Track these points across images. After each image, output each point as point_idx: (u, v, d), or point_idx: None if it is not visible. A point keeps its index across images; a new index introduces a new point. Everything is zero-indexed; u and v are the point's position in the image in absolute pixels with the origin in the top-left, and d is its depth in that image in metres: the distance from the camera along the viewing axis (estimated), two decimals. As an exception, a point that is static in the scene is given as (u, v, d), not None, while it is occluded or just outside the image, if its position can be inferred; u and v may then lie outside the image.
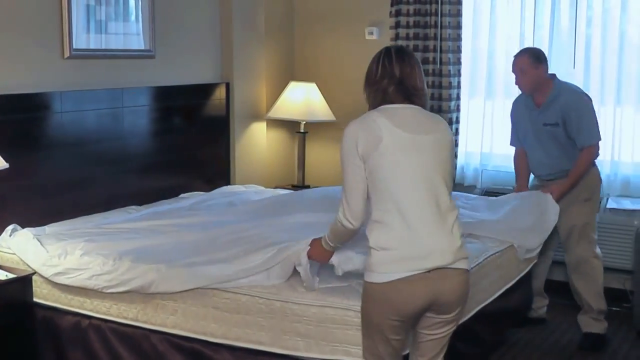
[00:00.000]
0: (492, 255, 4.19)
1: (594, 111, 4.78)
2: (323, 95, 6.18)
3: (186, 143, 5.59)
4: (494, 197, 5.14)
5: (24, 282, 3.99)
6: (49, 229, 4.41)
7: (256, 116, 6.20)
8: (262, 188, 5.77)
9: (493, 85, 5.94)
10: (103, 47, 5.00)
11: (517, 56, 4.83)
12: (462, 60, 5.89)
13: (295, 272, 3.55)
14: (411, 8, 5.87)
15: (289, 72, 6.55)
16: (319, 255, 3.43)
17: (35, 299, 4.09)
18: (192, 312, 3.72)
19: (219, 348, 3.66)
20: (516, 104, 5.03)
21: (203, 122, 5.77)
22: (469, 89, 6.04)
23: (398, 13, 5.92)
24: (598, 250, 4.88)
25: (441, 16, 5.81)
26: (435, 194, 3.04)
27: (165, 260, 3.83)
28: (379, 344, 3.11)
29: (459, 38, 5.85)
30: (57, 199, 4.63)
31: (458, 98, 5.90)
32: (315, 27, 6.52)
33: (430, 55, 5.85)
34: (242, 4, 5.96)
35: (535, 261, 4.70)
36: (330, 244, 3.32)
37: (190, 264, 3.79)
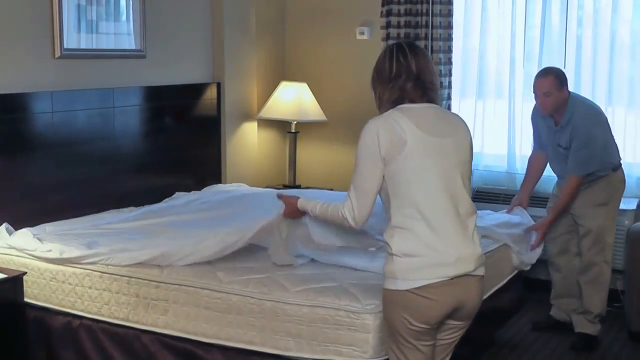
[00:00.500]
0: (484, 254, 4.16)
1: (601, 138, 4.63)
2: (314, 95, 6.17)
3: (177, 143, 5.57)
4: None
5: (14, 282, 3.97)
6: (49, 227, 4.40)
7: (247, 116, 6.19)
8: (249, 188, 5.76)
9: (484, 85, 5.95)
10: (94, 47, 4.99)
11: (540, 78, 4.62)
12: (453, 60, 5.90)
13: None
14: (402, 8, 5.87)
15: (280, 72, 6.54)
16: (293, 214, 3.50)
17: (26, 299, 4.08)
18: (184, 312, 3.71)
19: (211, 348, 3.65)
20: (536, 111, 4.83)
21: (194, 122, 5.76)
22: (460, 89, 6.05)
23: (389, 13, 5.92)
24: (610, 256, 4.79)
25: (432, 16, 5.81)
26: (456, 199, 2.96)
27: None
28: (408, 352, 2.99)
29: (449, 38, 5.85)
30: (47, 199, 4.62)
31: (449, 98, 5.90)
32: (306, 27, 6.52)
33: (421, 55, 5.84)
34: (233, 4, 5.95)
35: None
36: (311, 213, 3.31)
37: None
